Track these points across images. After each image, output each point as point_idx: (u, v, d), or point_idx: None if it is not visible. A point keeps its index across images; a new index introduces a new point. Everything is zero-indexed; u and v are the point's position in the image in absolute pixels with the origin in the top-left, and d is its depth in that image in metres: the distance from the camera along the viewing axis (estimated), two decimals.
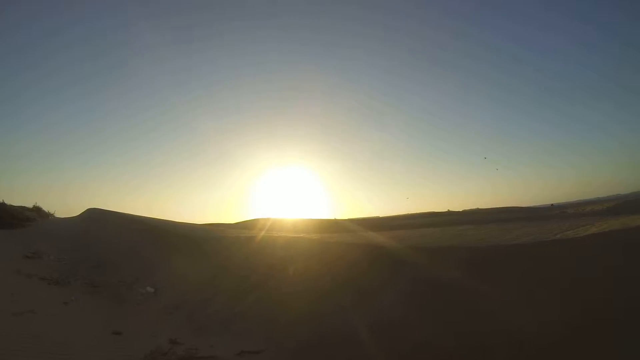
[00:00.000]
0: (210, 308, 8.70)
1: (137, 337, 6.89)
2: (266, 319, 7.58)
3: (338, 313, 6.88)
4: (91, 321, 7.63)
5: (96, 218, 22.10)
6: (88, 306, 8.76)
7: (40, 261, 13.22)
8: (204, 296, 9.34)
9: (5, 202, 26.01)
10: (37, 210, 26.98)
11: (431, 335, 5.54)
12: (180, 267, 11.79)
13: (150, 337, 6.84)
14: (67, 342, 5.94)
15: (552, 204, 64.30)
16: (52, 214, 27.54)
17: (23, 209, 26.02)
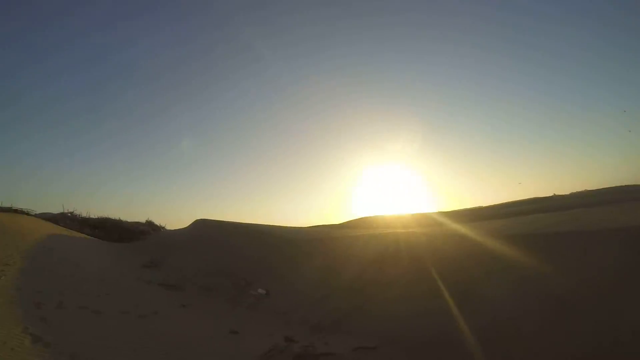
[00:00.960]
0: (323, 307, 8.58)
1: (253, 336, 6.93)
2: (380, 315, 7.29)
3: (449, 312, 6.40)
4: (208, 322, 7.84)
5: (204, 227, 23.21)
6: (204, 308, 9.06)
7: (157, 270, 14.10)
8: (316, 296, 9.27)
9: (122, 219, 28.62)
10: (149, 224, 29.21)
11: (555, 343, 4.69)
12: (290, 269, 11.87)
13: (266, 335, 6.85)
14: (189, 341, 6.11)
15: None
16: (164, 227, 29.56)
17: (137, 224, 28.31)
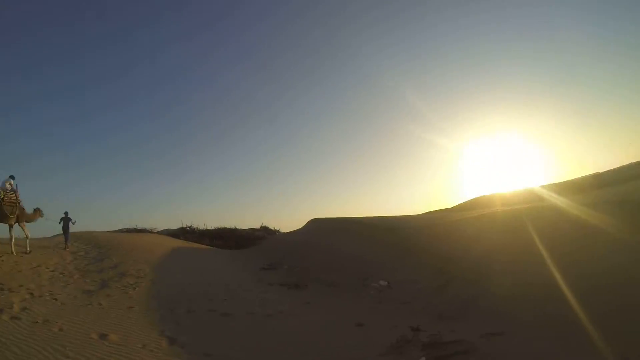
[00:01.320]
0: (445, 294, 8.13)
1: (379, 328, 6.69)
2: (505, 299, 6.69)
3: (574, 294, 5.64)
4: (333, 317, 7.74)
5: (318, 227, 23.51)
6: (327, 304, 9.00)
7: (276, 271, 14.46)
8: (437, 283, 8.81)
9: (237, 227, 30.12)
10: (264, 229, 30.41)
11: None
12: (409, 258, 11.51)
13: (391, 326, 6.56)
14: (317, 337, 6.04)
15: None
16: (278, 230, 30.55)
17: (253, 230, 29.58)
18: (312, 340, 5.80)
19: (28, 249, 12.91)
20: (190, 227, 30.96)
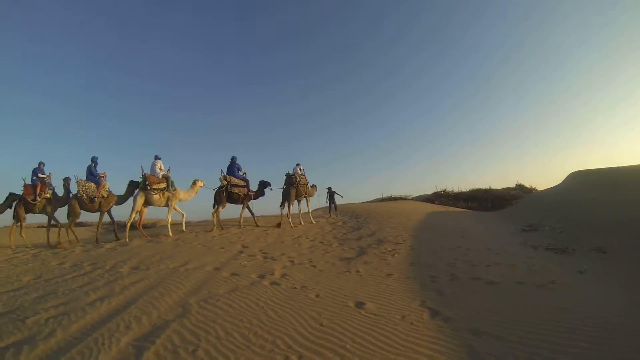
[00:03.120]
0: None
1: None
2: None
3: None
4: (610, 291, 6.14)
5: (581, 181, 20.42)
6: (603, 275, 7.30)
7: (537, 233, 12.81)
8: None
9: (491, 187, 28.48)
10: (520, 187, 28.04)
11: None
12: None
13: None
14: (610, 317, 4.70)
15: None
16: (534, 188, 27.81)
17: (508, 189, 27.54)
18: (585, 321, 4.50)
19: (312, 221, 16.36)
20: (444, 191, 30.95)
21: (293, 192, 15.10)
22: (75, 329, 4.58)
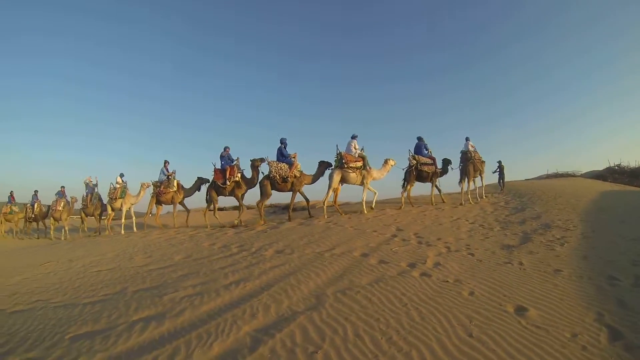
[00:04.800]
0: None
1: None
2: None
3: None
4: None
5: None
6: None
7: None
8: None
9: None
10: None
11: None
12: None
13: None
14: None
15: None
16: None
17: None
18: None
19: (484, 195, 16.48)
20: (618, 166, 26.61)
21: (471, 167, 15.24)
22: (203, 311, 4.55)
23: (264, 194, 13.00)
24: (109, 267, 8.15)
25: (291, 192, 13.20)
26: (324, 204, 13.20)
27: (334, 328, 3.83)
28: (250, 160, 13.37)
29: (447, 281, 5.20)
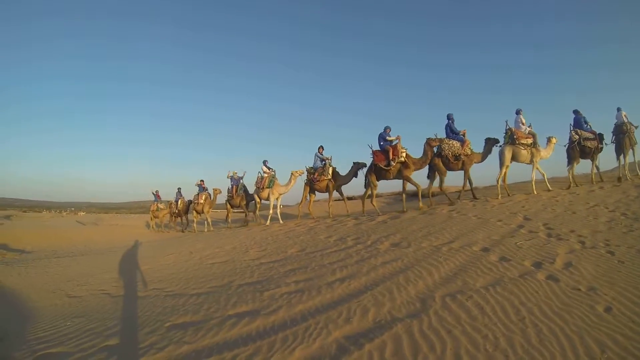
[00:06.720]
0: None
1: None
2: None
3: None
4: None
5: None
6: None
7: None
8: None
9: None
10: None
11: None
12: None
13: None
14: None
15: None
16: None
17: None
18: None
19: (627, 175, 13.80)
20: None
21: (627, 141, 13.60)
22: (298, 310, 4.34)
23: (439, 172, 12.38)
24: (222, 260, 8.51)
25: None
26: (497, 182, 12.34)
27: (431, 343, 3.28)
28: (426, 139, 12.37)
29: (579, 289, 4.18)
